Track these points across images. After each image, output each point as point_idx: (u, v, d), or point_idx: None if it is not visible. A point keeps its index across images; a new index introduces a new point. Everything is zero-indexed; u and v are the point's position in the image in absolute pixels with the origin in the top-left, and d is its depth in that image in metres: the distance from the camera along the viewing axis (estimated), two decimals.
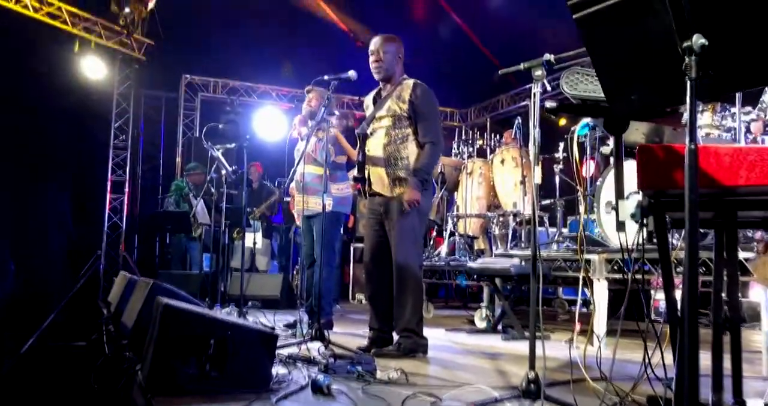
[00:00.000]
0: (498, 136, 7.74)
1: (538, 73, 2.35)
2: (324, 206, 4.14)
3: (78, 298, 9.13)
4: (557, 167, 6.80)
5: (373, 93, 4.14)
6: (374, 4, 10.38)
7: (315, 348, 3.75)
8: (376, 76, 4.05)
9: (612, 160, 5.08)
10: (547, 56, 2.33)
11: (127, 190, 9.85)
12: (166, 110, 11.39)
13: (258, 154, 9.34)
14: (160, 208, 9.87)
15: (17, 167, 9.10)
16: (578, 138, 2.36)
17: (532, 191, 2.43)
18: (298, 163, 4.55)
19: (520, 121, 6.69)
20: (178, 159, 10.73)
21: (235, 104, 10.81)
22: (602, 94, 1.83)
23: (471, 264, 5.38)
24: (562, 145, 6.81)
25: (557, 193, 6.79)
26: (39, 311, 8.99)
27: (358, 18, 10.46)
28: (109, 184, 9.75)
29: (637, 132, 2.40)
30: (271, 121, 10.16)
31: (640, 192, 1.88)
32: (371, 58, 4.00)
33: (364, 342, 4.05)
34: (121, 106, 9.88)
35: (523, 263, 5.06)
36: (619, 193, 1.93)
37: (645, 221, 1.89)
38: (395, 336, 3.94)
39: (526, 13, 9.62)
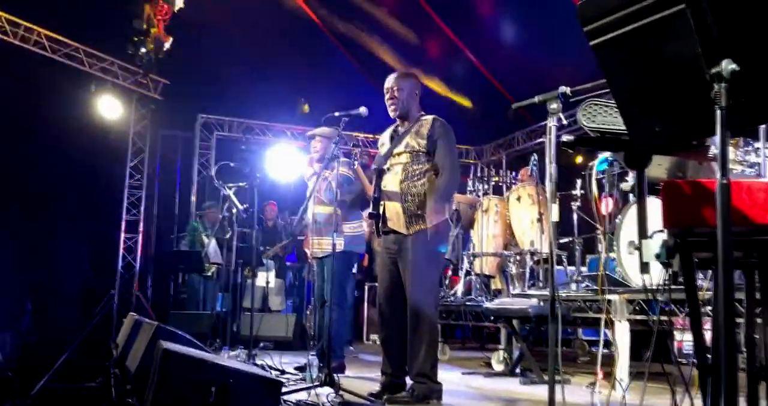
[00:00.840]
0: (514, 173, 7.64)
1: (554, 106, 2.25)
2: (334, 246, 4.02)
3: (91, 338, 9.04)
4: (575, 205, 6.66)
5: (389, 130, 4.06)
6: (388, 43, 10.44)
7: (324, 394, 3.60)
8: (391, 114, 3.98)
9: (632, 196, 4.96)
10: (563, 89, 2.23)
11: (141, 229, 9.81)
12: (183, 150, 11.42)
13: (273, 192, 9.30)
14: (174, 247, 9.82)
15: (33, 207, 9.13)
16: (597, 174, 2.24)
17: (550, 229, 2.31)
18: (306, 203, 4.44)
19: (536, 157, 6.59)
20: (193, 198, 10.70)
21: (250, 143, 10.82)
22: (623, 127, 1.73)
23: (487, 305, 5.23)
24: (579, 182, 6.68)
25: (575, 231, 6.64)
26: (54, 350, 8.92)
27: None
28: (123, 223, 9.71)
29: (659, 167, 2.29)
30: (286, 159, 10.13)
31: (665, 231, 1.75)
32: (386, 96, 3.93)
33: (377, 387, 3.90)
34: (136, 145, 9.91)
35: (541, 304, 4.90)
36: (643, 233, 1.81)
37: (670, 262, 1.76)
38: (408, 381, 3.79)
39: (540, 49, 9.60)
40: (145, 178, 9.95)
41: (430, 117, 3.88)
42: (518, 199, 6.52)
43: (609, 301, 4.37)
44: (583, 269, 6.55)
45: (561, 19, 8.94)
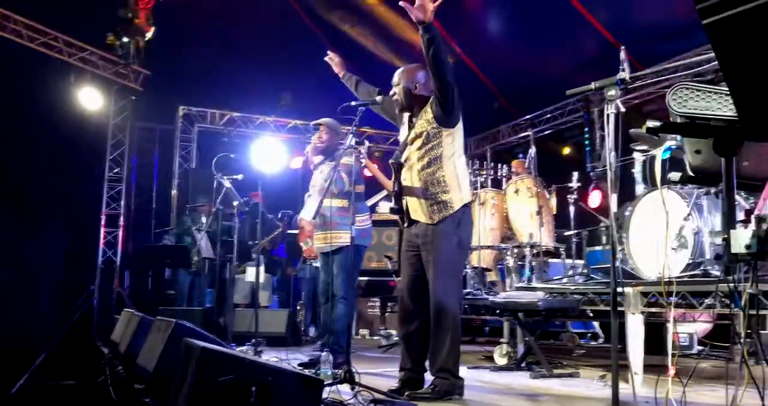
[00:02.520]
0: (506, 167, 7.59)
1: (612, 92, 2.17)
2: (353, 239, 3.91)
3: (70, 335, 8.80)
4: (571, 197, 6.65)
5: (406, 122, 3.94)
6: (376, 31, 10.35)
7: (345, 391, 3.51)
8: (397, 111, 3.93)
9: (639, 189, 4.93)
10: (622, 75, 2.15)
11: (121, 223, 9.57)
12: (161, 142, 11.19)
13: (256, 185, 9.12)
14: (153, 242, 9.62)
15: (5, 201, 8.85)
16: (662, 163, 2.17)
17: (611, 221, 2.23)
18: (323, 198, 4.28)
19: (534, 150, 6.55)
20: (174, 191, 10.47)
21: (233, 135, 10.63)
22: (716, 112, 1.66)
23: (494, 298, 5.17)
24: (576, 174, 6.68)
25: (572, 224, 6.63)
26: (29, 348, 8.68)
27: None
28: (103, 217, 9.46)
29: (706, 157, 2.20)
30: (269, 152, 9.97)
31: (753, 221, 1.69)
32: (392, 91, 3.88)
33: (391, 382, 3.82)
34: (116, 137, 9.66)
35: (549, 297, 4.86)
36: (731, 224, 1.74)
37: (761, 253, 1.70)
38: (428, 377, 3.71)
39: (525, 42, 9.58)
40: (125, 172, 9.71)
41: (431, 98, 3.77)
42: (516, 191, 6.48)
43: (621, 293, 4.34)
44: (580, 262, 6.55)
45: (545, 11, 8.97)
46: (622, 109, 2.17)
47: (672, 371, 2.44)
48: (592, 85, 2.24)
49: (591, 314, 5.56)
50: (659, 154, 2.18)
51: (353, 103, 3.88)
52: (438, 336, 3.56)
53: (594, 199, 8.72)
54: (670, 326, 6.26)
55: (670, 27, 7.96)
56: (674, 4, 7.86)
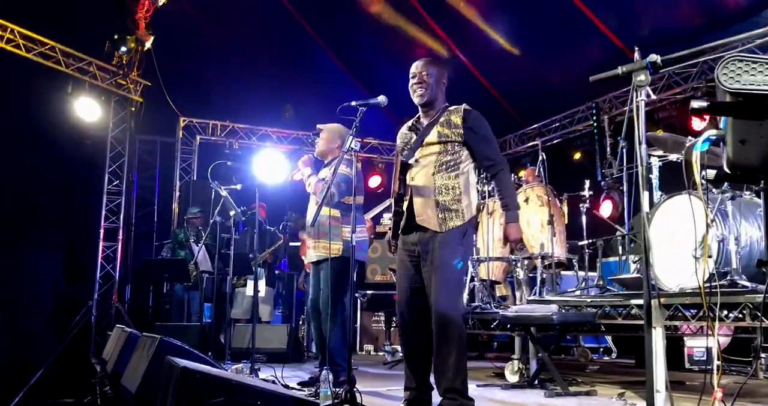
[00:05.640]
0: (514, 176, 7.34)
1: (641, 78, 1.92)
2: (353, 248, 3.64)
3: (68, 351, 8.59)
4: (584, 206, 6.40)
5: (409, 122, 3.70)
6: (380, 41, 10.18)
7: None
8: (416, 100, 3.62)
9: (657, 196, 4.68)
10: (653, 57, 1.90)
11: (120, 237, 9.34)
12: (161, 154, 10.99)
13: (260, 197, 8.90)
14: (156, 256, 9.39)
15: (2, 214, 8.66)
16: (700, 155, 1.94)
17: (644, 222, 1.98)
18: (320, 206, 4.03)
19: (544, 156, 6.30)
20: (175, 205, 10.25)
21: (234, 147, 10.42)
22: None
23: (504, 312, 4.90)
24: (587, 182, 6.43)
25: (584, 234, 6.37)
26: (28, 364, 8.47)
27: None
28: (102, 231, 9.24)
29: (751, 148, 1.93)
30: (271, 163, 9.75)
31: None
32: (413, 81, 3.58)
33: (395, 403, 3.56)
34: (115, 149, 9.46)
35: (563, 310, 4.59)
36: None
37: None
38: (435, 396, 3.43)
39: (531, 51, 9.39)
40: (124, 185, 9.51)
41: (460, 106, 3.56)
42: (526, 200, 6.20)
43: (639, 306, 4.08)
44: (593, 274, 6.28)
45: (553, 18, 8.77)
46: (653, 97, 1.92)
47: (719, 392, 2.17)
48: (619, 70, 1.99)
49: (603, 329, 5.28)
50: (698, 144, 1.91)
51: (354, 102, 3.65)
52: (442, 354, 3.29)
53: (605, 209, 8.45)
54: (687, 340, 6.01)
55: (676, 32, 7.77)
56: (681, 10, 7.68)
